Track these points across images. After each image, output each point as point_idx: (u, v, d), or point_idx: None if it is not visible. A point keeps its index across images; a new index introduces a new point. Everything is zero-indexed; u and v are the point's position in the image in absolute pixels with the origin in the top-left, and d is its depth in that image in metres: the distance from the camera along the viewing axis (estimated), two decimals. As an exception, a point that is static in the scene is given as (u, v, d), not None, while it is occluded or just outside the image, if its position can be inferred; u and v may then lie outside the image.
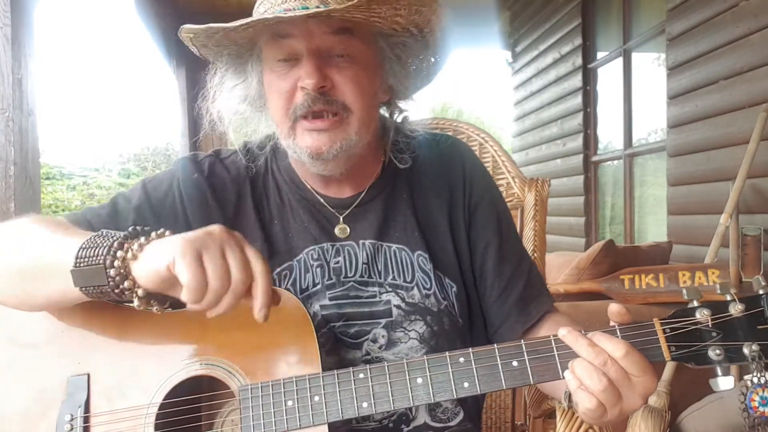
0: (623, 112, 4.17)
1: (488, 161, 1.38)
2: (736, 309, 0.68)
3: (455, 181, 0.97)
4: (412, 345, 0.90)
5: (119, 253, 0.70)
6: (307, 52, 0.83)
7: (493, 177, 1.35)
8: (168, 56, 5.05)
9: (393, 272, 0.92)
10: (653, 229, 3.99)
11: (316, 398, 0.73)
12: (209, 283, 0.67)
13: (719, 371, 0.68)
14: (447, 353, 0.73)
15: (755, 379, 0.64)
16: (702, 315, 0.69)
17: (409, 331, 0.90)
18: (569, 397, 0.72)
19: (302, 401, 0.73)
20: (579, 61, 4.68)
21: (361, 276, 0.92)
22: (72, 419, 0.78)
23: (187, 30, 0.85)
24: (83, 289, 0.72)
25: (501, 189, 1.34)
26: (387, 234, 0.94)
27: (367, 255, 0.92)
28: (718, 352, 0.68)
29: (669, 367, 2.01)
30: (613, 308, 0.72)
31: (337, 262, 0.92)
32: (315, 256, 0.92)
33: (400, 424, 0.90)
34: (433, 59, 0.95)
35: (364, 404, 0.72)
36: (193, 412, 0.78)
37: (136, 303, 0.70)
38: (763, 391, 0.67)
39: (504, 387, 0.71)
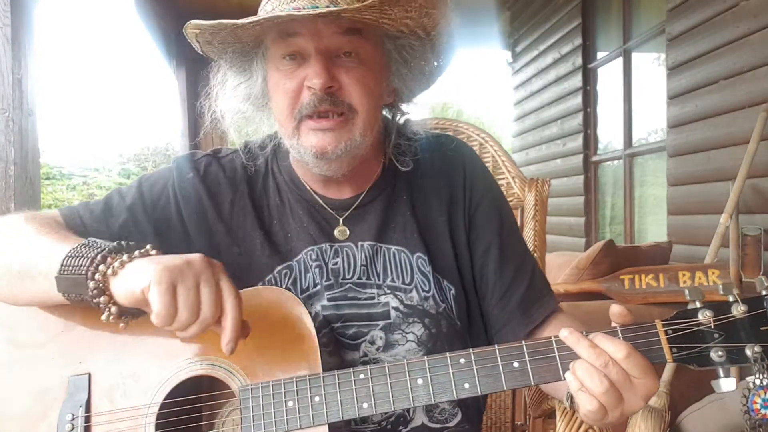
0: (623, 112, 4.17)
1: (488, 161, 1.38)
2: (738, 310, 0.68)
3: (455, 182, 0.96)
4: (410, 347, 0.90)
5: (101, 267, 0.72)
6: (315, 51, 0.83)
7: (494, 177, 1.35)
8: (168, 56, 5.05)
9: (392, 274, 0.92)
10: (653, 229, 3.99)
11: (317, 399, 0.73)
12: (178, 314, 0.69)
13: (721, 373, 0.68)
14: (447, 354, 0.73)
15: (757, 381, 0.64)
16: (704, 316, 0.69)
17: (407, 333, 0.90)
18: (571, 398, 0.71)
19: (302, 401, 0.73)
20: (579, 61, 4.68)
21: (360, 277, 0.91)
22: (73, 419, 0.78)
23: (195, 26, 0.85)
24: (65, 294, 0.75)
25: (501, 189, 1.34)
26: (386, 235, 0.94)
27: (365, 256, 0.92)
28: (720, 353, 0.67)
29: (669, 368, 2.01)
30: (615, 309, 0.71)
31: (336, 264, 0.92)
32: (314, 257, 0.92)
33: (398, 426, 0.90)
34: (436, 63, 0.95)
35: (365, 405, 0.72)
36: (193, 411, 0.78)
37: (104, 316, 0.73)
38: (765, 393, 0.66)
39: (505, 388, 0.71)
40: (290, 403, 0.73)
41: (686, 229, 3.21)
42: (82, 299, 0.73)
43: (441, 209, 0.95)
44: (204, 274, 0.70)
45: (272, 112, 0.92)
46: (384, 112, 0.97)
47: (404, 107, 0.98)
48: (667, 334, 0.69)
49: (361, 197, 0.95)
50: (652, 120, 3.95)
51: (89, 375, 0.80)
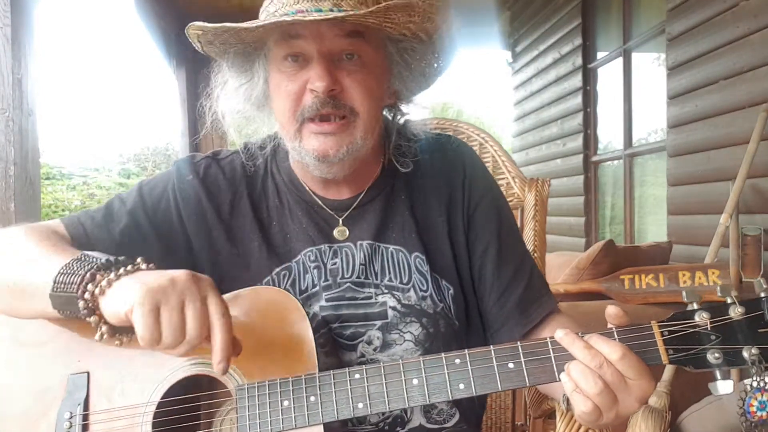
0: (623, 112, 4.16)
1: (488, 161, 1.38)
2: (736, 312, 0.68)
3: (455, 182, 0.96)
4: (407, 347, 0.90)
5: (89, 287, 0.71)
6: (317, 54, 0.83)
7: (494, 177, 1.35)
8: (168, 56, 5.05)
9: (390, 274, 0.92)
10: (653, 229, 3.98)
11: (312, 398, 0.73)
12: (162, 336, 0.68)
13: (718, 375, 0.68)
14: (443, 354, 0.73)
15: (754, 383, 0.64)
16: (701, 318, 0.69)
17: (404, 333, 0.90)
18: (567, 399, 0.71)
19: (298, 401, 0.73)
20: (579, 61, 4.68)
21: (358, 277, 0.91)
22: (71, 417, 0.78)
23: (197, 27, 0.85)
24: (60, 311, 0.75)
25: (501, 189, 1.34)
26: (385, 235, 0.94)
27: (364, 256, 0.92)
28: (717, 355, 0.67)
29: (669, 368, 2.01)
30: (611, 310, 0.71)
31: (334, 264, 0.92)
32: (312, 258, 0.92)
33: (396, 426, 0.90)
34: (436, 64, 0.95)
35: (360, 405, 0.72)
36: (190, 410, 0.79)
37: (97, 336, 0.72)
38: (762, 395, 0.66)
39: (500, 389, 0.71)
40: (286, 403, 0.73)
41: (686, 229, 3.21)
42: (77, 316, 0.73)
43: (440, 209, 0.95)
44: (189, 293, 0.69)
45: (273, 112, 0.92)
46: (384, 113, 0.97)
47: (404, 107, 0.98)
48: (663, 335, 0.69)
49: (360, 197, 0.95)
50: (652, 120, 3.95)
51: (88, 374, 0.80)
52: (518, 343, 0.73)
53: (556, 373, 0.70)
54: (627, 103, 4.16)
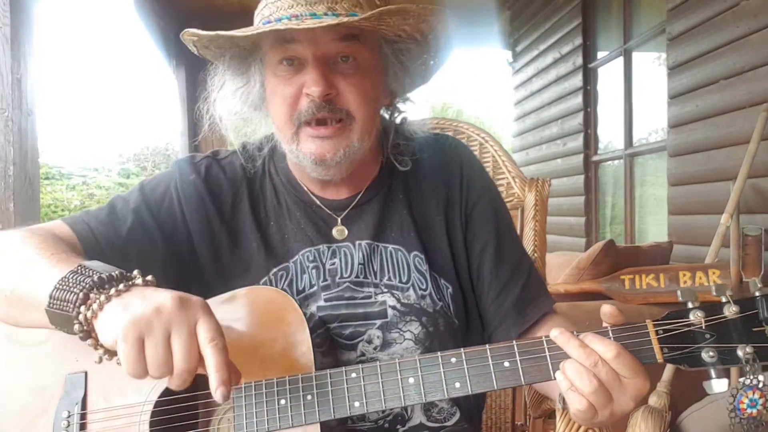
0: (623, 111, 4.16)
1: (488, 161, 1.38)
2: (730, 311, 0.68)
3: (453, 182, 0.97)
4: (407, 346, 0.90)
5: (82, 309, 0.68)
6: (313, 58, 0.83)
7: (494, 177, 1.35)
8: (168, 56, 5.06)
9: (389, 273, 0.92)
10: (654, 229, 3.98)
11: (309, 397, 0.73)
12: (148, 370, 0.66)
13: (713, 373, 0.68)
14: (439, 353, 0.73)
15: (747, 381, 0.64)
16: (695, 317, 0.69)
17: (404, 332, 0.90)
18: (563, 399, 0.71)
19: (294, 400, 0.73)
20: (579, 60, 4.67)
21: (357, 277, 0.92)
22: (69, 416, 0.79)
23: (191, 34, 0.85)
24: (58, 328, 0.71)
25: (501, 189, 1.34)
26: (383, 235, 0.94)
27: (363, 255, 0.92)
28: (711, 354, 0.67)
29: (669, 368, 2.01)
30: (606, 309, 0.72)
31: (333, 264, 0.92)
32: (311, 258, 0.92)
33: (396, 424, 0.90)
34: (432, 62, 0.95)
35: (356, 403, 0.72)
36: (188, 409, 0.79)
37: (96, 359, 0.70)
38: (753, 393, 0.67)
39: (495, 387, 0.71)
40: (282, 402, 0.73)
41: (687, 229, 3.20)
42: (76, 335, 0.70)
43: (438, 208, 0.96)
44: (176, 323, 0.65)
45: (270, 114, 0.93)
46: (381, 112, 0.97)
47: (402, 106, 0.98)
48: (657, 334, 0.69)
49: (358, 197, 0.95)
50: (653, 120, 3.95)
51: (86, 373, 0.81)
52: (514, 342, 0.73)
53: (552, 372, 0.71)
54: (627, 102, 4.15)
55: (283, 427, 0.73)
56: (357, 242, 0.93)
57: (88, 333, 0.69)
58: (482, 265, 0.94)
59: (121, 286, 0.69)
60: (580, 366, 0.68)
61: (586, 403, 0.68)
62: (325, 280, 0.91)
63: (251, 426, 0.73)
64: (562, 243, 4.88)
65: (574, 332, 0.71)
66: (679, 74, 3.26)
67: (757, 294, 0.68)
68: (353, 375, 0.73)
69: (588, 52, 4.62)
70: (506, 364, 0.71)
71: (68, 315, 0.69)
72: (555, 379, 0.70)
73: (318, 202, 0.95)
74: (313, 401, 0.73)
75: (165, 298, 0.67)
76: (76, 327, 0.68)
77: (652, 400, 1.95)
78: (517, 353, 0.72)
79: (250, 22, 0.88)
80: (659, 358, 0.69)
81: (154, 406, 0.78)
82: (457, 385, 0.71)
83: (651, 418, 1.89)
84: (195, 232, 0.92)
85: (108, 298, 0.68)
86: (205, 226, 0.93)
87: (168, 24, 4.70)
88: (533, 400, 1.23)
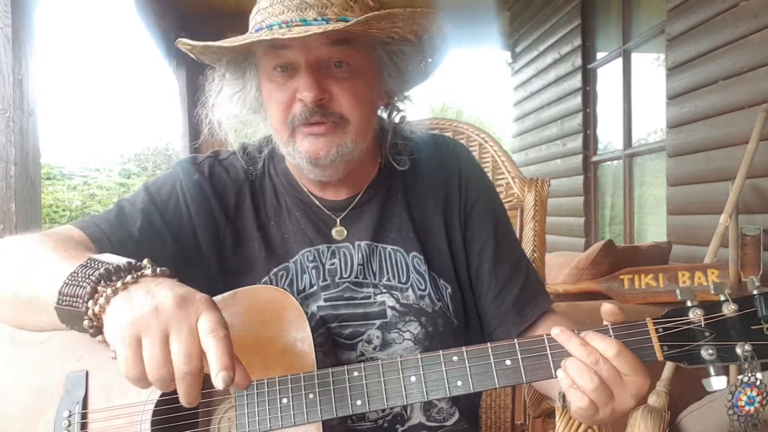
0: (623, 112, 4.16)
1: (488, 161, 1.38)
2: (729, 309, 0.68)
3: (451, 181, 0.97)
4: (407, 346, 0.90)
5: (90, 303, 0.66)
6: (305, 63, 0.84)
7: (493, 177, 1.35)
8: (168, 56, 5.06)
9: (388, 273, 0.93)
10: (653, 229, 3.99)
11: (311, 396, 0.73)
12: (147, 375, 0.62)
13: (712, 371, 0.68)
14: (441, 352, 0.73)
15: (745, 378, 0.64)
16: (695, 315, 0.69)
17: (403, 332, 0.91)
18: (563, 396, 0.72)
19: (296, 399, 0.73)
20: (579, 61, 4.68)
21: (356, 277, 0.92)
22: (70, 415, 0.79)
23: (184, 44, 0.87)
24: (69, 326, 0.69)
25: (501, 189, 1.34)
26: (382, 235, 0.94)
27: (362, 256, 0.93)
28: (710, 351, 0.68)
29: (669, 367, 2.01)
30: (606, 308, 0.72)
31: (333, 264, 0.92)
32: (310, 258, 0.93)
33: (395, 424, 0.91)
34: (430, 60, 0.95)
35: (358, 402, 0.72)
36: (189, 408, 0.79)
37: (111, 355, 0.65)
38: (751, 390, 0.67)
39: (497, 386, 0.72)
40: (284, 401, 0.73)
41: (686, 229, 3.21)
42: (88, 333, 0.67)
43: (437, 209, 0.96)
44: (175, 323, 0.62)
45: (267, 116, 0.93)
46: (379, 112, 0.98)
47: (401, 105, 0.99)
48: (657, 332, 0.70)
49: (357, 198, 0.95)
50: (652, 120, 3.95)
51: (87, 372, 0.81)
52: (515, 340, 0.73)
53: (553, 370, 0.71)
54: (627, 103, 4.16)
55: (285, 425, 0.73)
56: (356, 243, 0.93)
57: (99, 329, 0.66)
58: (481, 266, 0.95)
59: (128, 277, 0.67)
60: (581, 364, 0.68)
61: (587, 401, 0.68)
62: (324, 280, 0.92)
63: (253, 425, 0.74)
64: (561, 243, 4.88)
65: (575, 330, 0.71)
66: (678, 75, 3.27)
67: (755, 292, 0.69)
68: (355, 374, 0.73)
69: (587, 52, 4.62)
70: (508, 362, 0.71)
71: (78, 311, 0.66)
72: (556, 377, 0.70)
73: (317, 203, 0.95)
74: (315, 400, 0.73)
75: (166, 296, 0.64)
76: (86, 323, 0.66)
77: (652, 400, 1.95)
78: (518, 351, 0.72)
79: (249, 23, 0.89)
80: (659, 355, 0.69)
81: (156, 405, 0.78)
82: (459, 383, 0.71)
83: (650, 417, 1.89)
84: (200, 231, 0.93)
85: (115, 291, 0.65)
86: (211, 224, 0.93)
87: (168, 24, 4.70)
88: (533, 399, 1.23)
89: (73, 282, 0.67)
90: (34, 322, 0.76)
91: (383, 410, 0.89)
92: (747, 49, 2.73)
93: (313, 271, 0.92)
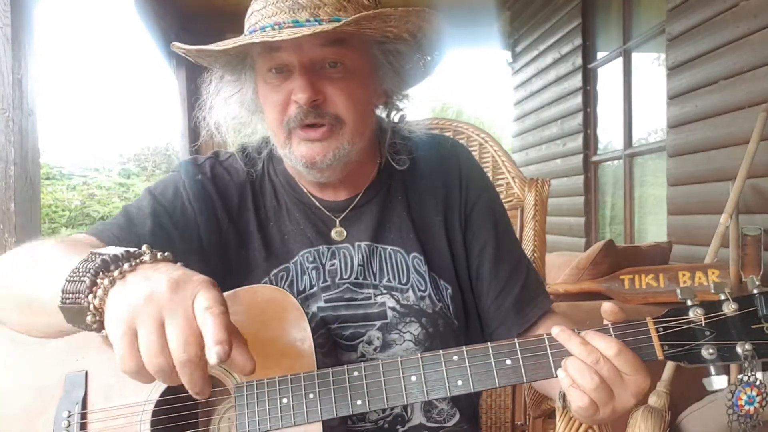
0: (623, 112, 4.16)
1: (488, 161, 1.38)
2: (729, 308, 0.68)
3: (451, 182, 0.97)
4: (407, 347, 0.90)
5: (90, 297, 0.63)
6: (299, 65, 0.83)
7: (493, 177, 1.35)
8: (168, 56, 5.06)
9: (388, 274, 0.92)
10: (653, 229, 3.98)
11: (311, 396, 0.73)
12: (145, 366, 0.59)
13: (712, 370, 0.68)
14: (441, 351, 0.73)
15: (745, 378, 0.64)
16: (695, 314, 0.69)
17: (404, 333, 0.90)
18: (563, 396, 0.72)
19: (297, 399, 0.73)
20: (579, 61, 4.68)
21: (356, 278, 0.92)
22: (69, 416, 0.78)
23: (177, 48, 0.87)
24: (76, 326, 0.66)
25: (501, 189, 1.34)
26: (382, 236, 0.94)
27: (362, 257, 0.93)
28: (711, 351, 0.68)
29: (669, 367, 2.01)
30: (606, 307, 0.72)
31: (333, 265, 0.92)
32: (310, 259, 0.93)
33: (396, 425, 0.91)
34: (429, 57, 0.95)
35: (359, 402, 0.72)
36: (189, 408, 0.79)
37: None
38: (751, 390, 0.67)
39: (497, 385, 0.71)
40: (284, 401, 0.73)
41: (686, 229, 3.21)
42: (92, 330, 0.64)
43: (437, 209, 0.96)
44: (168, 308, 0.59)
45: (264, 117, 0.93)
46: (378, 111, 0.98)
47: (399, 104, 0.98)
48: (658, 331, 0.70)
49: (357, 198, 0.95)
50: (652, 120, 3.95)
51: (86, 372, 0.80)
52: (515, 340, 0.73)
53: (553, 369, 0.71)
54: (627, 103, 4.16)
55: (285, 425, 0.73)
56: (356, 244, 0.93)
57: (102, 323, 0.63)
58: (481, 266, 0.95)
59: (125, 265, 0.64)
60: (581, 363, 0.68)
61: (587, 400, 0.68)
62: (325, 281, 0.91)
63: (253, 425, 0.73)
64: (561, 243, 4.88)
65: (575, 330, 0.71)
66: (678, 74, 3.27)
67: (755, 291, 0.69)
68: (355, 373, 0.73)
69: (588, 52, 4.62)
70: (508, 361, 0.71)
71: (81, 307, 0.63)
72: (557, 376, 0.70)
73: (317, 204, 0.95)
74: (315, 400, 0.73)
75: (159, 281, 0.60)
76: (89, 318, 0.63)
77: (652, 400, 1.95)
78: (518, 351, 0.72)
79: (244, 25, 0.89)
80: (660, 355, 0.69)
81: (155, 406, 0.78)
82: (460, 383, 0.71)
83: (651, 417, 1.89)
84: (205, 232, 0.92)
85: (112, 282, 0.63)
86: (215, 225, 0.93)
87: (168, 24, 4.70)
88: (533, 399, 1.23)
89: (74, 278, 0.65)
90: (42, 327, 0.73)
91: (383, 411, 0.89)
92: (747, 49, 2.73)
93: (313, 272, 0.92)
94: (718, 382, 0.68)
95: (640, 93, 4.12)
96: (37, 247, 0.78)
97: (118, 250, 0.66)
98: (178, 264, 0.66)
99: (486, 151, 1.39)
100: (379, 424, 0.90)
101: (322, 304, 0.91)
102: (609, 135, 4.62)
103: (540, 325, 0.94)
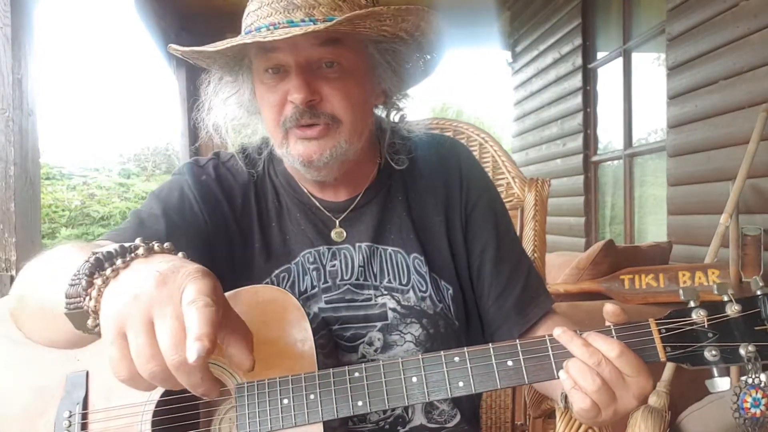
0: (623, 112, 4.17)
1: (488, 161, 1.38)
2: (732, 310, 0.68)
3: (452, 182, 0.96)
4: (408, 348, 0.90)
5: (86, 299, 0.59)
6: (294, 65, 0.83)
7: (493, 177, 1.35)
8: (168, 56, 5.06)
9: (389, 275, 0.92)
10: (653, 229, 3.99)
11: (312, 396, 0.73)
12: (138, 369, 0.55)
13: (715, 372, 0.68)
14: (442, 352, 0.73)
15: (749, 380, 0.64)
16: (698, 315, 0.69)
17: (405, 334, 0.90)
18: (566, 397, 0.72)
19: (297, 399, 0.73)
20: (579, 61, 4.68)
21: (357, 279, 0.92)
22: (70, 416, 0.78)
23: (174, 49, 0.87)
24: (86, 332, 0.62)
25: (501, 189, 1.34)
26: (383, 237, 0.94)
27: (363, 258, 0.92)
28: (714, 352, 0.67)
29: (669, 367, 2.01)
30: (608, 308, 0.72)
31: (333, 266, 0.92)
32: (311, 260, 0.92)
33: (396, 426, 0.91)
34: (428, 56, 0.95)
35: (359, 403, 0.72)
36: (190, 409, 0.79)
37: None
38: (756, 392, 0.67)
39: (499, 386, 0.71)
40: (285, 401, 0.73)
41: (686, 229, 3.21)
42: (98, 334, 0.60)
43: (437, 209, 0.96)
44: (156, 307, 0.55)
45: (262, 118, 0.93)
46: (378, 111, 0.97)
47: (399, 104, 0.98)
48: (660, 333, 0.69)
49: (357, 199, 0.95)
50: (652, 120, 3.95)
51: (87, 372, 0.80)
52: (517, 341, 0.73)
53: (555, 371, 0.70)
54: (627, 103, 4.16)
55: (286, 426, 0.73)
56: (357, 244, 0.93)
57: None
58: (483, 266, 0.95)
59: (119, 262, 0.60)
60: (583, 365, 0.68)
61: (589, 402, 0.68)
62: (325, 282, 0.91)
63: (254, 425, 0.73)
64: (561, 243, 4.88)
65: (577, 331, 0.71)
66: (678, 74, 3.27)
67: (758, 293, 0.69)
68: (356, 374, 0.73)
69: (588, 52, 4.62)
70: (509, 363, 0.71)
71: (82, 311, 0.59)
72: (558, 378, 0.70)
73: (317, 204, 0.95)
74: (316, 400, 0.72)
75: (146, 278, 0.56)
76: (89, 322, 0.59)
77: (652, 400, 1.95)
78: (520, 352, 0.71)
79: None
80: (662, 356, 0.69)
81: (156, 406, 0.78)
82: (461, 384, 0.71)
83: (651, 417, 1.89)
84: (212, 232, 0.92)
85: (105, 281, 0.59)
86: (221, 225, 0.93)
87: (168, 24, 4.70)
88: (533, 399, 1.23)
89: (74, 281, 0.62)
90: (62, 336, 0.68)
91: (384, 412, 0.89)
92: (747, 49, 2.73)
93: (314, 272, 0.92)
94: (721, 383, 0.67)
95: (640, 93, 4.12)
96: (53, 253, 0.75)
97: (113, 246, 0.62)
98: (179, 255, 0.63)
99: (486, 151, 1.39)
100: (380, 425, 0.90)
101: (323, 305, 0.91)
102: (609, 135, 4.62)
103: (541, 325, 0.93)
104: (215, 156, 1.00)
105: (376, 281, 0.92)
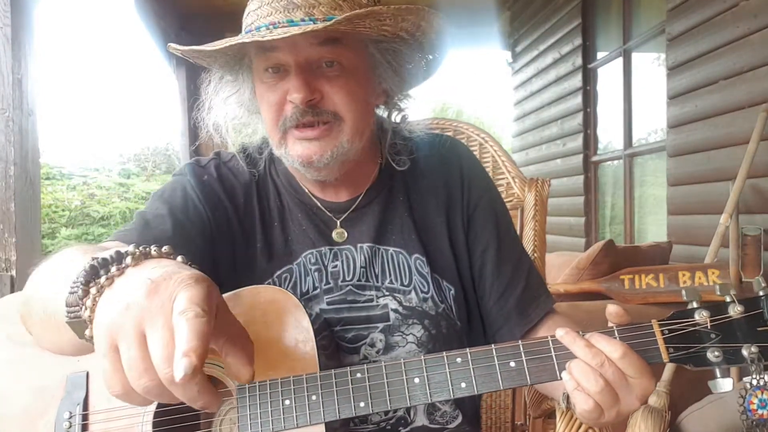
0: (623, 112, 4.17)
1: (488, 161, 1.38)
2: (735, 310, 0.68)
3: (453, 182, 0.96)
4: (410, 349, 0.90)
5: (82, 310, 0.57)
6: (294, 64, 0.83)
7: (493, 177, 1.35)
8: (168, 56, 5.06)
9: (390, 276, 0.92)
10: (653, 229, 3.99)
11: (313, 397, 0.72)
12: (130, 384, 0.53)
13: (718, 373, 0.68)
14: (444, 353, 0.73)
15: (754, 381, 0.64)
16: (701, 316, 0.69)
17: (406, 335, 0.90)
18: (567, 398, 0.71)
19: (299, 400, 0.73)
20: (579, 61, 4.68)
21: (359, 280, 0.91)
22: (71, 417, 0.78)
23: (173, 48, 0.87)
24: (90, 341, 0.58)
25: (501, 189, 1.34)
26: (384, 237, 0.94)
27: (364, 259, 0.92)
28: (717, 353, 0.67)
29: (669, 367, 2.01)
30: (611, 309, 0.71)
31: (335, 267, 0.92)
32: (313, 260, 0.92)
33: (398, 427, 0.90)
34: (430, 56, 0.94)
35: (361, 404, 0.72)
36: (190, 410, 0.78)
37: None
38: (762, 393, 0.67)
39: (501, 387, 0.71)
40: (287, 402, 0.73)
41: (686, 229, 3.21)
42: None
43: (439, 210, 0.96)
44: (147, 318, 0.52)
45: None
46: (379, 112, 0.97)
47: (401, 104, 0.98)
48: (663, 334, 0.69)
49: (358, 199, 0.95)
50: (652, 120, 3.95)
51: (87, 373, 0.80)
52: (519, 342, 0.73)
53: (558, 372, 0.70)
54: (627, 103, 4.16)
55: (288, 427, 0.72)
56: (358, 245, 0.93)
57: None
58: (484, 266, 0.94)
59: (113, 269, 0.58)
60: (586, 366, 0.68)
61: (592, 403, 0.68)
62: (327, 283, 0.91)
63: (255, 426, 0.73)
64: (561, 243, 4.88)
65: (580, 332, 0.71)
66: (678, 74, 3.27)
67: (761, 293, 0.68)
68: (358, 375, 0.72)
69: (588, 52, 4.62)
70: (512, 364, 0.71)
71: (81, 320, 0.57)
72: (561, 379, 0.70)
73: (318, 204, 0.95)
74: (318, 401, 0.72)
75: (137, 287, 0.54)
76: (87, 333, 0.57)
77: (652, 400, 1.95)
78: (522, 353, 0.71)
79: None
80: (665, 357, 0.69)
81: (157, 407, 0.78)
82: (463, 385, 0.71)
83: (651, 417, 1.89)
84: (215, 232, 0.92)
85: (100, 290, 0.57)
86: (224, 225, 0.93)
87: (168, 24, 4.70)
88: (533, 399, 1.23)
89: (73, 288, 0.59)
90: (69, 345, 0.66)
91: (386, 413, 0.89)
92: (747, 49, 2.73)
93: (316, 273, 0.91)
94: (723, 384, 0.67)
95: (640, 93, 4.12)
96: (59, 256, 0.73)
97: (109, 252, 0.60)
98: (178, 258, 0.61)
99: (486, 151, 1.38)
100: (382, 426, 0.90)
101: (324, 306, 0.90)
102: (609, 135, 4.62)
103: (543, 325, 0.93)
104: (216, 156, 1.00)
105: (377, 282, 0.92)
